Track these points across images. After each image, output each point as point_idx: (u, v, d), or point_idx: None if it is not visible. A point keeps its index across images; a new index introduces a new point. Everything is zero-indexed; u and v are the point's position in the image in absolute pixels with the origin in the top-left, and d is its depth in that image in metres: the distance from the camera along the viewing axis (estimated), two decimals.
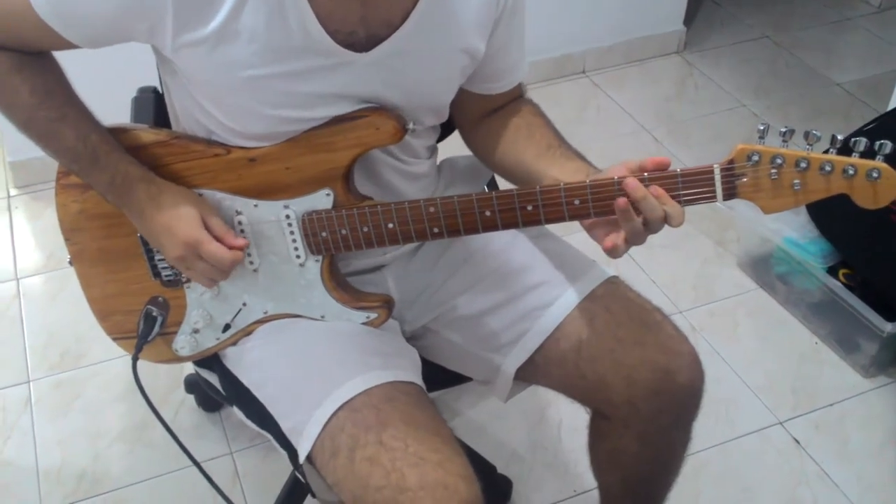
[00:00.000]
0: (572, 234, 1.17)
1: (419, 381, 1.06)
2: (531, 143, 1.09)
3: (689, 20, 2.90)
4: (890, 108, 1.92)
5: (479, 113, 1.16)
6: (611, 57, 2.81)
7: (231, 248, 1.01)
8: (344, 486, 0.96)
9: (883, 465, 1.66)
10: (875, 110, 2.57)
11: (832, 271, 1.85)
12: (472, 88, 1.12)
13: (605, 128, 2.55)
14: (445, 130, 1.25)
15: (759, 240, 2.01)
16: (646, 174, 0.93)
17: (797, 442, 1.71)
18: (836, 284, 1.82)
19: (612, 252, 0.95)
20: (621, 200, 0.92)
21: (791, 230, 1.90)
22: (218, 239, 1.01)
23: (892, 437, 1.70)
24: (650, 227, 0.93)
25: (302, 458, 1.00)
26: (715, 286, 2.05)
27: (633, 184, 0.91)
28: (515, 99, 1.16)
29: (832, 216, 1.84)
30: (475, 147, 1.20)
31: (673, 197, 0.92)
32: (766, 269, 2.03)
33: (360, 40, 0.96)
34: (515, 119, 1.13)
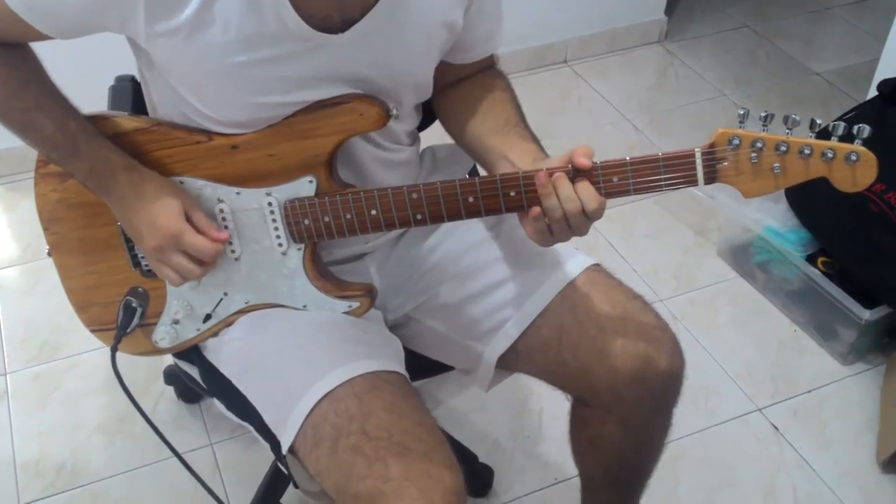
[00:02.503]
0: None
1: (402, 370, 1.06)
2: (489, 118, 1.09)
3: (669, 10, 2.91)
4: (868, 97, 1.93)
5: (447, 81, 1.15)
6: (592, 46, 2.81)
7: (213, 240, 1.00)
8: (327, 477, 0.95)
9: (860, 451, 1.68)
10: (854, 99, 2.59)
11: (811, 259, 1.86)
12: (445, 58, 1.11)
13: (586, 117, 2.55)
14: (427, 118, 1.24)
15: (740, 229, 2.03)
16: (628, 157, 0.93)
17: (776, 428, 1.72)
18: (814, 272, 1.83)
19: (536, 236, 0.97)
20: (535, 209, 0.94)
21: (771, 219, 1.91)
22: (200, 231, 1.00)
23: (870, 423, 1.72)
24: (569, 221, 0.94)
25: (284, 449, 1.00)
26: (695, 275, 2.06)
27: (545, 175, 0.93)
28: (485, 69, 1.16)
29: (812, 205, 1.85)
30: (440, 116, 1.19)
31: (654, 181, 0.93)
32: (745, 257, 2.04)
33: (336, 24, 0.95)
34: (478, 91, 1.13)
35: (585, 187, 0.93)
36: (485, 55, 1.13)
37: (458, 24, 1.04)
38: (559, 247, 1.16)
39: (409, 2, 0.97)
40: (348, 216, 1.02)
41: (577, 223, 0.94)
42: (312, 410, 0.97)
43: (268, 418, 1.03)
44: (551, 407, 1.72)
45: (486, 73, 1.15)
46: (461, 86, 1.15)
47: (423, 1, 0.99)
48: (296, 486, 1.05)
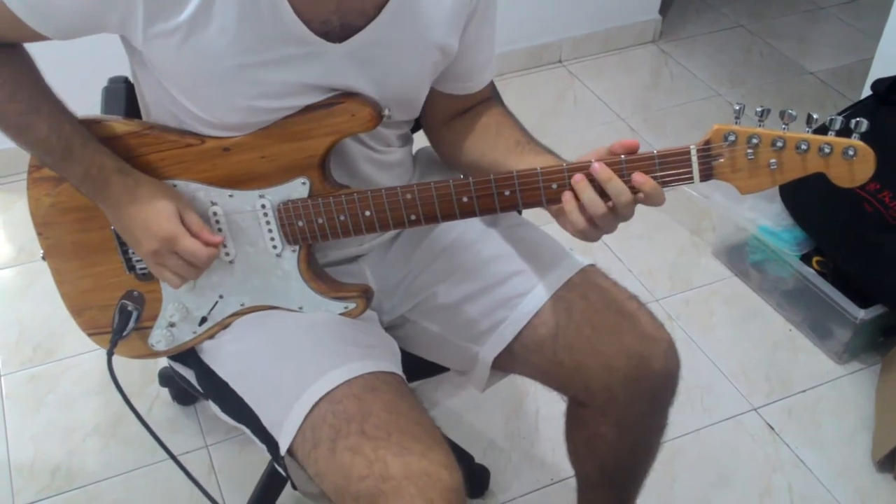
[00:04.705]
0: (549, 223, 1.17)
1: (399, 370, 1.06)
2: (500, 141, 1.10)
3: (664, 9, 2.91)
4: (863, 96, 1.93)
5: (449, 114, 1.16)
6: (587, 46, 2.81)
7: (207, 244, 1.00)
8: (326, 477, 0.95)
9: (855, 450, 1.68)
10: (848, 99, 2.60)
11: (806, 259, 1.87)
12: (443, 88, 1.12)
13: (581, 117, 2.55)
14: (420, 121, 1.24)
15: (735, 228, 2.03)
16: (623, 156, 0.92)
17: (771, 428, 1.72)
18: (809, 272, 1.84)
19: (583, 233, 0.95)
20: (577, 176, 0.92)
21: (765, 219, 1.91)
22: (194, 234, 1.00)
23: (864, 422, 1.73)
24: (618, 211, 0.94)
25: (283, 450, 1.00)
26: (691, 275, 2.06)
27: (597, 167, 0.92)
28: (485, 100, 1.16)
29: (806, 204, 1.85)
30: (443, 149, 1.19)
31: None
32: (740, 257, 2.04)
33: (335, 29, 0.96)
34: (484, 119, 1.13)
35: (641, 177, 0.92)
36: (486, 83, 1.14)
37: (453, 48, 1.04)
38: (554, 248, 1.17)
39: (409, 19, 0.98)
40: (342, 217, 1.02)
41: (624, 213, 0.94)
42: (311, 411, 0.97)
43: (265, 420, 1.03)
44: (547, 407, 1.72)
45: (486, 103, 1.16)
46: (463, 118, 1.15)
47: (422, 19, 0.99)
48: (294, 487, 1.05)
